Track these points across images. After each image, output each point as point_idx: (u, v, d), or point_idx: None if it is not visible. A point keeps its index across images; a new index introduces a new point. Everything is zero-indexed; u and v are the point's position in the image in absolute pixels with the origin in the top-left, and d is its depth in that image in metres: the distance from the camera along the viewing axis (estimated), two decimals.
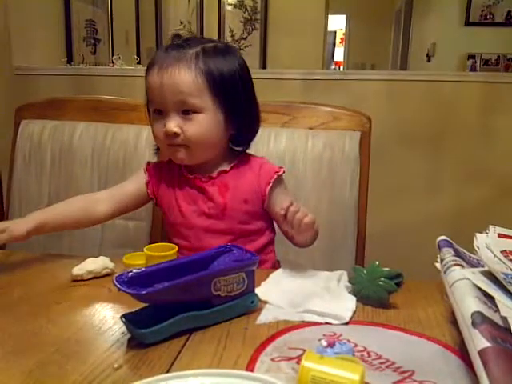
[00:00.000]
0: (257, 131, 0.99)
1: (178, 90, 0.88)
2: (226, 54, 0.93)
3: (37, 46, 2.69)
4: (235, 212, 0.95)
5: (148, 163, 1.02)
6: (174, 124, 0.89)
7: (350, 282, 0.77)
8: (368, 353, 0.59)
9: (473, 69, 4.77)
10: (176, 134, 0.90)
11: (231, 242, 0.90)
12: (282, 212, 0.82)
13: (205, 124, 0.90)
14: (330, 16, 4.32)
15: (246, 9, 4.01)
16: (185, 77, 0.88)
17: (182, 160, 0.94)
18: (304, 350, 0.58)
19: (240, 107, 0.93)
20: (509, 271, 0.60)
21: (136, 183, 1.00)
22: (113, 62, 3.00)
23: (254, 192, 0.96)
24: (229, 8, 4.09)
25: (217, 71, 0.90)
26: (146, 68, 0.94)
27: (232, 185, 0.96)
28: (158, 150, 1.03)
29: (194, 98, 0.89)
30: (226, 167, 0.97)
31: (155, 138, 0.95)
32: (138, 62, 3.15)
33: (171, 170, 0.99)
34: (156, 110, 0.92)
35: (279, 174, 0.97)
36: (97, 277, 0.82)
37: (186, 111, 0.89)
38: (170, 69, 0.88)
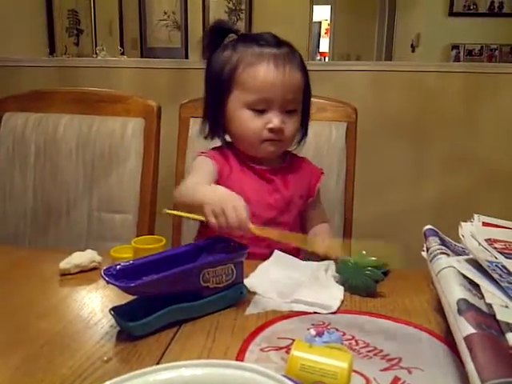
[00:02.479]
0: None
1: (294, 88, 0.92)
2: (299, 53, 0.97)
3: (18, 37, 2.64)
4: (294, 206, 0.99)
5: (203, 152, 0.99)
6: (280, 120, 0.91)
7: (337, 271, 0.77)
8: (356, 341, 0.60)
9: (457, 59, 4.80)
10: (281, 130, 0.92)
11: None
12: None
13: (298, 122, 0.96)
14: (314, 6, 4.31)
15: None
16: (298, 76, 0.93)
17: (271, 154, 0.96)
18: (293, 340, 0.58)
19: (309, 106, 1.00)
20: (493, 259, 0.61)
21: (209, 174, 0.95)
22: (96, 53, 2.96)
23: (305, 189, 1.01)
24: None
25: (306, 68, 0.96)
26: (223, 61, 0.93)
27: (291, 179, 0.99)
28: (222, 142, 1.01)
29: (300, 96, 0.94)
30: (282, 163, 1.01)
31: (248, 133, 0.93)
32: (122, 53, 3.12)
33: (233, 157, 0.99)
34: (256, 107, 0.91)
35: (324, 176, 1.04)
36: (84, 270, 0.81)
37: (290, 110, 0.93)
38: (287, 67, 0.90)
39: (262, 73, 0.90)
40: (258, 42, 0.93)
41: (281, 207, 0.97)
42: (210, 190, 0.78)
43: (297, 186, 1.00)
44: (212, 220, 0.71)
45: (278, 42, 0.94)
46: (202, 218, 0.73)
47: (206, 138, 1.01)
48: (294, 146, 1.04)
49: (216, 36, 0.97)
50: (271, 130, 0.92)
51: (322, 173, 1.05)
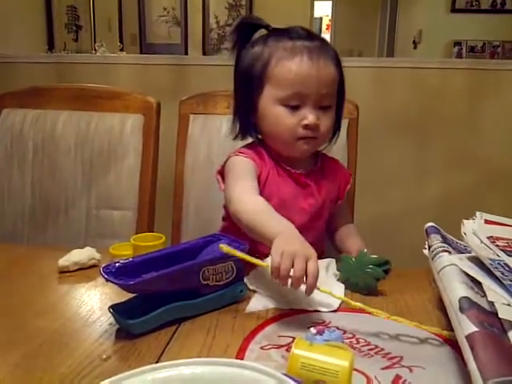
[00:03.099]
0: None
1: (329, 81, 0.88)
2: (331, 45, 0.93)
3: (17, 34, 2.63)
4: (326, 210, 0.97)
5: (241, 152, 0.93)
6: (316, 117, 0.87)
7: (338, 269, 0.77)
8: (357, 339, 0.60)
9: (459, 56, 4.78)
10: (317, 126, 0.87)
11: (314, 238, 0.89)
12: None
13: (332, 118, 0.91)
14: (315, 2, 4.30)
15: None
16: (332, 69, 0.88)
17: (305, 152, 0.92)
18: (293, 338, 0.58)
19: (343, 103, 0.96)
20: (495, 257, 0.60)
21: (254, 175, 0.90)
22: (95, 49, 2.95)
23: (336, 192, 0.99)
24: None
25: (341, 66, 0.92)
26: (254, 56, 0.89)
27: (324, 183, 0.96)
28: (254, 139, 0.97)
29: (334, 91, 0.90)
30: (315, 165, 0.97)
31: (282, 130, 0.89)
32: (121, 49, 3.11)
33: (268, 158, 0.94)
34: (290, 103, 0.87)
35: (351, 177, 1.01)
36: (83, 268, 0.81)
37: (325, 105, 0.88)
38: (322, 60, 0.86)
39: (296, 66, 0.85)
40: (289, 35, 0.88)
41: (314, 212, 0.94)
42: (284, 228, 0.72)
43: (329, 191, 0.97)
44: (276, 259, 0.63)
45: (310, 35, 0.90)
46: (264, 264, 0.67)
47: (235, 137, 0.96)
48: (325, 143, 0.99)
49: (245, 31, 0.93)
50: (306, 127, 0.87)
51: (351, 174, 1.03)
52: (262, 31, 0.93)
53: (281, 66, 0.86)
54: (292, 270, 0.63)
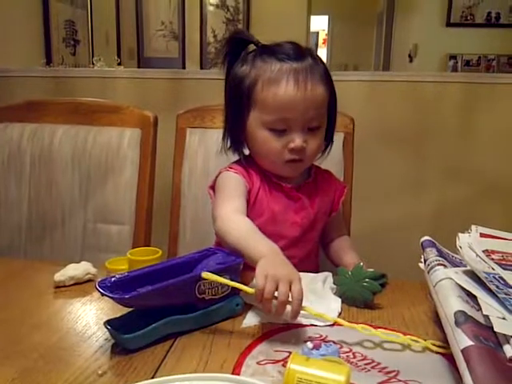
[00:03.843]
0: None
1: (316, 104, 0.86)
2: (323, 62, 0.91)
3: (14, 48, 2.65)
4: (319, 223, 0.96)
5: (230, 168, 0.93)
6: (302, 140, 0.86)
7: (334, 283, 0.77)
8: (353, 354, 0.60)
9: (454, 69, 4.83)
10: (303, 149, 0.87)
11: (307, 251, 0.92)
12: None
13: (321, 138, 0.91)
14: (312, 17, 4.34)
15: (228, 9, 4.01)
16: (321, 90, 0.87)
17: (292, 173, 0.92)
18: (290, 353, 0.58)
19: (335, 118, 0.94)
20: (490, 270, 0.61)
21: (243, 192, 0.90)
22: (93, 63, 2.97)
23: (329, 204, 0.98)
24: (210, 8, 4.08)
25: (331, 82, 0.90)
26: (242, 74, 0.89)
27: (317, 196, 0.95)
28: (243, 157, 0.96)
29: (323, 111, 0.89)
30: (307, 178, 0.97)
31: (269, 153, 0.89)
32: (119, 63, 3.13)
33: (259, 174, 0.93)
34: (276, 127, 0.87)
35: (346, 189, 1.01)
36: (79, 282, 0.81)
37: (313, 127, 0.88)
38: (308, 83, 0.84)
39: (281, 91, 0.84)
40: (277, 55, 0.87)
41: (307, 225, 0.94)
42: (268, 251, 0.72)
43: (322, 203, 0.96)
44: (261, 283, 0.63)
45: (300, 54, 0.87)
46: (249, 290, 0.65)
47: (226, 152, 0.96)
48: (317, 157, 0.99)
49: (235, 46, 0.92)
50: (292, 151, 0.87)
51: (345, 186, 1.02)
52: (254, 46, 0.92)
53: (266, 90, 0.85)
54: (276, 293, 0.62)
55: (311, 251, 0.98)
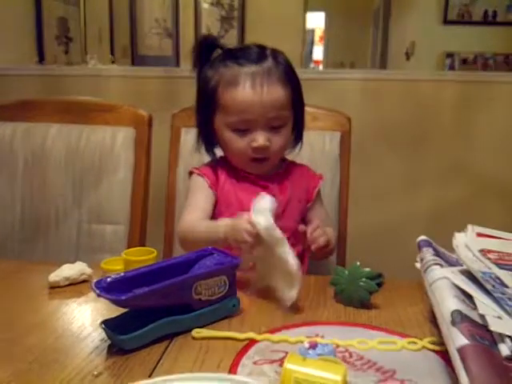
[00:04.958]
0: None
1: (275, 105, 0.91)
2: (287, 61, 0.96)
3: (6, 46, 2.62)
4: (292, 210, 0.99)
5: (196, 168, 1.01)
6: (265, 138, 0.91)
7: (331, 282, 0.77)
8: (350, 353, 0.60)
9: (451, 67, 4.84)
10: (266, 148, 0.91)
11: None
12: (301, 229, 0.84)
13: (287, 135, 0.96)
14: (308, 14, 4.33)
15: (223, 7, 3.99)
16: (280, 91, 0.91)
17: (259, 171, 0.97)
18: (286, 353, 0.58)
19: (302, 114, 0.99)
20: (487, 270, 0.61)
21: (204, 191, 0.98)
22: (86, 62, 2.95)
23: (304, 193, 1.02)
24: (205, 6, 4.06)
25: (293, 77, 0.95)
26: (207, 77, 0.94)
27: (288, 184, 0.99)
28: (214, 157, 1.03)
29: (285, 110, 0.93)
30: (279, 170, 1.01)
31: (234, 153, 0.95)
32: (113, 62, 3.11)
33: (226, 170, 1.00)
34: (238, 128, 0.92)
35: (322, 181, 1.04)
36: (74, 283, 0.80)
37: (275, 126, 0.92)
38: (266, 85, 0.90)
39: (239, 95, 0.90)
40: (238, 59, 0.92)
41: (277, 213, 0.97)
42: (223, 225, 0.84)
43: (294, 191, 1.00)
44: (233, 244, 0.78)
45: (261, 56, 0.93)
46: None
47: (200, 151, 1.02)
48: (287, 153, 1.04)
49: (204, 50, 0.97)
50: (256, 150, 0.92)
51: (321, 178, 1.05)
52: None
53: (226, 94, 0.91)
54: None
55: (293, 243, 0.98)
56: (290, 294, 0.71)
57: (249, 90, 0.89)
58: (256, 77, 0.90)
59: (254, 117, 0.90)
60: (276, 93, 0.91)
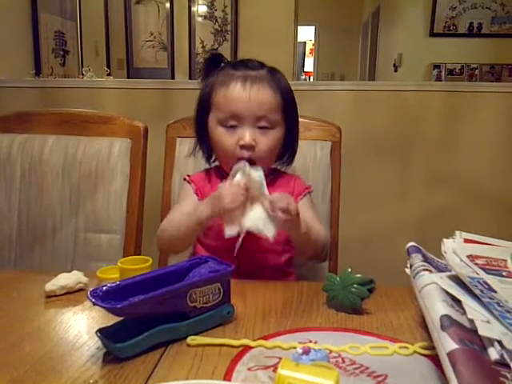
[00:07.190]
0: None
1: (263, 105, 0.95)
2: (283, 76, 1.02)
3: (3, 58, 2.64)
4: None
5: (188, 176, 1.07)
6: (251, 136, 0.95)
7: (323, 289, 0.78)
8: (342, 359, 0.61)
9: (438, 78, 4.91)
10: (252, 147, 0.95)
11: (270, 247, 0.96)
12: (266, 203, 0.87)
13: (275, 139, 0.99)
14: (299, 27, 4.38)
15: (217, 20, 4.03)
16: (269, 93, 0.96)
17: None
18: (280, 358, 0.58)
19: (295, 124, 1.03)
20: (475, 275, 0.62)
21: (190, 197, 1.03)
22: (82, 74, 2.97)
23: None
24: (199, 19, 4.10)
25: (286, 90, 1.00)
26: (206, 84, 1.01)
27: (272, 190, 0.99)
28: (209, 159, 1.08)
29: (273, 114, 0.97)
30: (268, 178, 1.02)
31: (223, 150, 0.99)
32: (109, 74, 3.13)
33: (218, 177, 1.04)
34: (228, 123, 0.96)
35: (309, 190, 1.06)
36: (70, 292, 0.81)
37: (263, 126, 0.96)
38: (255, 85, 0.95)
39: (229, 91, 0.96)
40: (235, 66, 0.99)
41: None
42: (201, 205, 0.91)
43: None
44: (221, 214, 0.87)
45: (256, 66, 0.99)
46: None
47: (194, 154, 1.08)
48: (280, 165, 1.05)
49: (211, 65, 1.04)
50: (243, 147, 0.95)
51: (308, 187, 1.06)
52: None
53: (218, 91, 0.98)
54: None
55: (278, 250, 1.01)
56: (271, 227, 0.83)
57: (239, 87, 0.95)
58: (247, 78, 0.96)
59: (242, 112, 0.94)
60: (265, 93, 0.96)
